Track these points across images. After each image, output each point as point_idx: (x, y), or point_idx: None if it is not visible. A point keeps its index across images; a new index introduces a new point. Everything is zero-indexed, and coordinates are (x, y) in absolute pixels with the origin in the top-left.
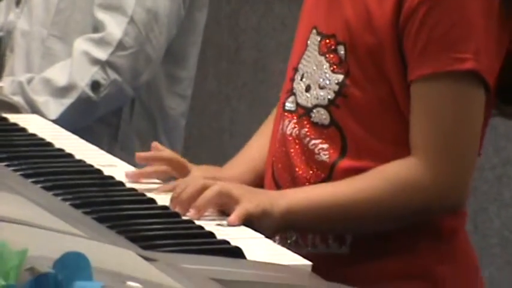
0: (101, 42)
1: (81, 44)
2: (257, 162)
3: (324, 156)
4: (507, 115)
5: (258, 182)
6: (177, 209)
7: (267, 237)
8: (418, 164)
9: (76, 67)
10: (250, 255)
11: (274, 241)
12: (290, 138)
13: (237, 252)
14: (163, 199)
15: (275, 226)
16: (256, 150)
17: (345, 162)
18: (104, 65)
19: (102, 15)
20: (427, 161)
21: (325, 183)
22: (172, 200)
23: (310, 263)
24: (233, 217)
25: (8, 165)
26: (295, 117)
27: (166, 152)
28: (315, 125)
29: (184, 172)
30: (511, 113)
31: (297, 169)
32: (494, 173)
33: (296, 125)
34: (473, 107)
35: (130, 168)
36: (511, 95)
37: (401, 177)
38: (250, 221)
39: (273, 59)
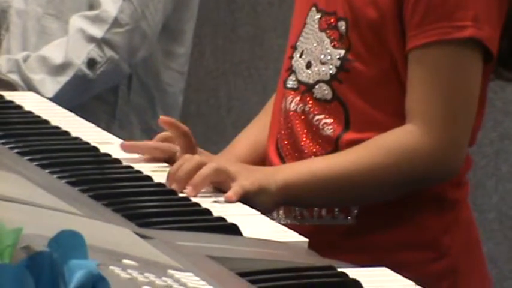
0: (97, 20)
1: (77, 22)
2: (258, 146)
3: (329, 131)
4: (505, 79)
5: (260, 164)
6: (173, 186)
7: (263, 213)
8: (416, 130)
9: (72, 45)
10: (246, 232)
11: (275, 216)
12: (294, 114)
13: (233, 229)
14: (159, 176)
15: (273, 201)
16: (256, 136)
17: (349, 135)
18: (99, 42)
19: None
20: (425, 126)
21: (323, 156)
22: (168, 177)
23: (306, 239)
24: (230, 193)
25: (3, 143)
26: (297, 95)
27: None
28: (317, 100)
29: (191, 152)
30: (509, 77)
31: (302, 144)
32: (492, 148)
33: (300, 102)
34: (470, 73)
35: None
36: (509, 58)
37: (401, 144)
38: (248, 198)
39: (270, 35)
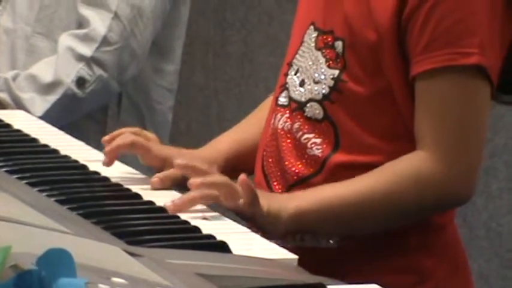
0: (86, 38)
1: (66, 40)
2: (241, 144)
3: (317, 151)
4: (505, 103)
5: (240, 161)
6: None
7: (253, 231)
8: (428, 158)
9: (61, 63)
10: (235, 249)
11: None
12: (282, 132)
13: (222, 247)
14: (148, 194)
15: (284, 230)
16: (239, 133)
17: (337, 157)
18: (89, 61)
19: (86, 11)
20: (438, 154)
21: (334, 183)
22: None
23: (296, 256)
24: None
25: None
26: (287, 112)
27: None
28: (308, 119)
29: (149, 142)
30: (507, 101)
31: (286, 163)
32: (482, 165)
33: (288, 119)
34: (479, 99)
35: (118, 166)
36: (510, 84)
37: (414, 171)
38: (261, 226)
39: (260, 53)
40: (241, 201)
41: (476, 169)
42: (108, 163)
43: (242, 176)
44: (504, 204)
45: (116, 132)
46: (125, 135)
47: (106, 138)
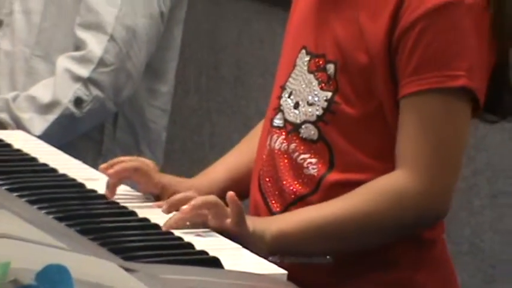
0: (83, 60)
1: (64, 62)
2: (233, 172)
3: (313, 170)
4: (487, 121)
5: (234, 189)
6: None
7: (244, 247)
8: (407, 176)
9: (59, 84)
10: (227, 264)
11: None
12: (279, 152)
13: (214, 262)
14: (143, 212)
15: (267, 250)
16: (233, 162)
17: (333, 176)
18: (86, 81)
19: (83, 34)
20: (417, 172)
21: (315, 205)
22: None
23: (285, 271)
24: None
25: None
26: (283, 133)
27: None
28: (303, 140)
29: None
30: (490, 120)
31: (284, 182)
32: (465, 183)
33: (285, 141)
34: (460, 119)
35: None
36: (494, 104)
37: (393, 189)
38: (246, 245)
39: (251, 74)
40: (228, 220)
41: (451, 188)
42: (112, 187)
43: (230, 193)
44: (486, 220)
45: (114, 160)
46: (127, 161)
47: (104, 166)
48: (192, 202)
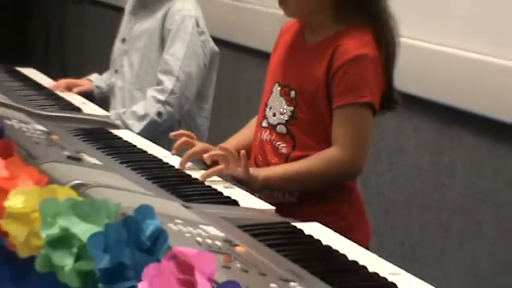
0: (161, 91)
1: (150, 92)
2: (241, 143)
3: (284, 150)
4: (381, 114)
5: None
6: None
7: (252, 194)
8: (337, 151)
9: (148, 104)
10: (242, 204)
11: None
12: (265, 141)
13: (235, 202)
14: (197, 174)
15: (259, 187)
16: (240, 137)
17: (295, 153)
18: (163, 103)
19: (161, 76)
20: (342, 149)
21: (288, 163)
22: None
23: (274, 207)
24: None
25: (112, 158)
26: (268, 130)
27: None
28: (279, 134)
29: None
30: (381, 113)
31: (268, 158)
32: (371, 156)
33: (269, 135)
34: (367, 120)
35: (178, 159)
36: (384, 105)
37: (327, 157)
38: (247, 184)
39: (255, 96)
40: (239, 169)
41: (364, 159)
42: (183, 163)
43: (242, 151)
44: (385, 179)
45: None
46: (196, 147)
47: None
48: (216, 149)
